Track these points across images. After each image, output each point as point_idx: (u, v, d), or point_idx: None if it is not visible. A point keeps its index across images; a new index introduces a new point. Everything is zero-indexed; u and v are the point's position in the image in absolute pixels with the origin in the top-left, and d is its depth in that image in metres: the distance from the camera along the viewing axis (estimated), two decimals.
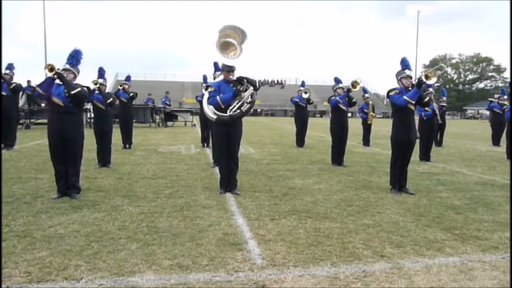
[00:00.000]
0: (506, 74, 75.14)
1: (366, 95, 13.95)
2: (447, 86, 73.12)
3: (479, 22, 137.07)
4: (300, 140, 12.27)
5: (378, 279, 2.99)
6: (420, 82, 5.54)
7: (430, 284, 2.95)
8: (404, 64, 5.96)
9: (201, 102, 7.45)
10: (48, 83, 5.06)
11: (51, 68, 5.00)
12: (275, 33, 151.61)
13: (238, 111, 5.53)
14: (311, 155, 10.41)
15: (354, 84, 7.99)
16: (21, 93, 12.68)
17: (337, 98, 8.45)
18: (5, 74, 9.91)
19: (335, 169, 8.07)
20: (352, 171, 7.87)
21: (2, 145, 9.78)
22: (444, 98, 12.86)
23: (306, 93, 11.90)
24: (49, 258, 3.22)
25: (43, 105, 16.19)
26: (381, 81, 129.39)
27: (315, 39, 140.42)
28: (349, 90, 8.26)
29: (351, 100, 8.45)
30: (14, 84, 10.09)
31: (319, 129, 20.46)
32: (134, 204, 4.98)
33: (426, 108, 9.18)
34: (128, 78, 11.52)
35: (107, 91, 8.21)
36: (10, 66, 10.20)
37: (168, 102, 22.43)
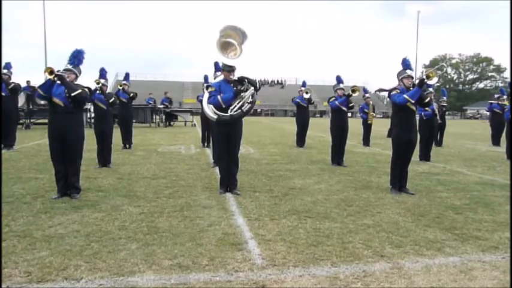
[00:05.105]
0: (506, 74, 75.23)
1: (367, 95, 13.97)
2: (447, 86, 73.09)
3: (479, 22, 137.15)
4: (300, 140, 12.27)
5: (377, 279, 2.99)
6: (422, 82, 5.55)
7: (430, 284, 2.95)
8: (406, 64, 5.96)
9: (201, 102, 7.46)
10: (48, 84, 5.07)
11: (50, 71, 5.01)
12: (275, 33, 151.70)
13: (239, 111, 5.53)
14: (311, 155, 10.41)
15: (354, 89, 8.08)
16: (21, 93, 12.70)
17: (337, 102, 8.51)
18: (3, 74, 9.86)
19: (335, 169, 8.07)
20: (352, 171, 7.87)
21: (2, 145, 9.77)
22: (444, 98, 12.87)
23: (307, 93, 11.90)
24: (49, 258, 3.22)
25: (42, 102, 16.17)
26: (381, 81, 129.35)
27: (315, 39, 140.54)
28: (349, 95, 8.32)
29: (349, 104, 8.60)
30: (12, 84, 10.06)
31: (319, 129, 20.46)
32: (134, 204, 4.98)
33: (426, 108, 9.18)
34: (127, 76, 11.39)
35: (107, 91, 8.22)
36: (8, 66, 10.13)
37: (166, 103, 22.46)
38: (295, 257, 3.38)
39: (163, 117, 22.49)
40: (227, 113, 5.53)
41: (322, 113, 59.70)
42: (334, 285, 2.90)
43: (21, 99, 14.55)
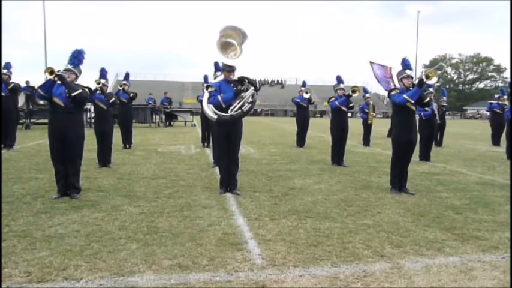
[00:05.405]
0: (506, 74, 75.24)
1: (367, 95, 13.99)
2: (447, 86, 73.10)
3: (479, 22, 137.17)
4: (300, 140, 12.27)
5: (377, 279, 2.99)
6: (421, 82, 5.55)
7: (430, 284, 2.95)
8: (405, 64, 5.96)
9: (201, 102, 7.46)
10: (48, 84, 5.08)
11: (51, 71, 5.01)
12: (275, 33, 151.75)
13: (239, 111, 5.54)
14: (311, 155, 10.41)
15: (355, 89, 8.12)
16: (21, 93, 12.73)
17: (337, 102, 8.52)
18: (3, 74, 9.84)
19: (335, 169, 8.07)
20: (352, 171, 7.87)
21: (2, 145, 9.78)
22: (444, 98, 12.87)
23: (307, 93, 11.90)
24: (49, 258, 3.22)
25: (41, 102, 16.19)
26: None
27: (315, 39, 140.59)
28: (349, 96, 8.33)
29: (349, 104, 8.61)
30: (12, 84, 10.05)
31: (319, 129, 20.46)
32: (134, 204, 4.98)
33: (426, 108, 9.18)
34: (127, 76, 11.40)
35: (107, 91, 8.22)
36: (7, 66, 10.12)
37: (166, 103, 22.46)
38: (295, 257, 3.38)
39: (163, 117, 22.51)
40: (227, 113, 5.53)
41: (322, 113, 59.71)
42: (334, 285, 2.90)
43: (21, 99, 14.57)
